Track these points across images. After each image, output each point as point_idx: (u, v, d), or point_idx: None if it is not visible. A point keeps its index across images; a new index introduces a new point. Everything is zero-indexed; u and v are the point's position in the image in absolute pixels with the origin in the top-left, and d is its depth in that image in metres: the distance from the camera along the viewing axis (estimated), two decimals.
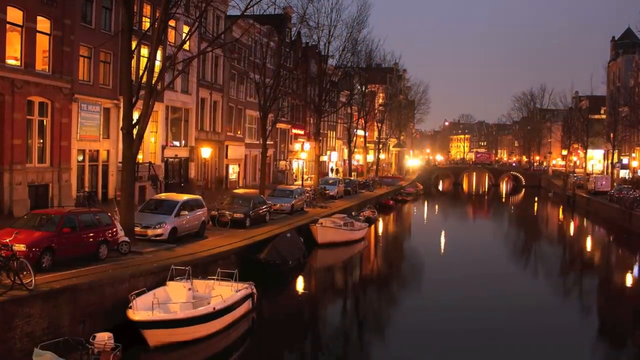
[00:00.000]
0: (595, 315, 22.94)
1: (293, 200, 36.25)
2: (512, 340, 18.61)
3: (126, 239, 20.04)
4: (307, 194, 40.47)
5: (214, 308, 16.85)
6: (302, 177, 52.55)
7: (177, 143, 40.07)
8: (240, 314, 18.43)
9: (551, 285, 27.41)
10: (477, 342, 18.13)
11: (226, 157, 47.01)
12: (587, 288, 27.18)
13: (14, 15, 24.98)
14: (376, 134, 77.90)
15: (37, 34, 26.26)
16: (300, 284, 25.41)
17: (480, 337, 18.57)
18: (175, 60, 25.81)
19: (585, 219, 54.89)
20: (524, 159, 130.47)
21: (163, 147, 37.85)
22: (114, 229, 19.70)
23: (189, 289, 18.04)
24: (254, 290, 19.44)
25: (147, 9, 33.31)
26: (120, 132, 23.20)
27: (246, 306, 18.94)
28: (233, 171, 48.92)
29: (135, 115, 22.63)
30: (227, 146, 46.98)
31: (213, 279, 18.93)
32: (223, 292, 17.98)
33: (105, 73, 31.65)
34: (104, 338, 14.22)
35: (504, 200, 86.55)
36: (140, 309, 15.74)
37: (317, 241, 31.63)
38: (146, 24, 31.31)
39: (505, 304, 22.88)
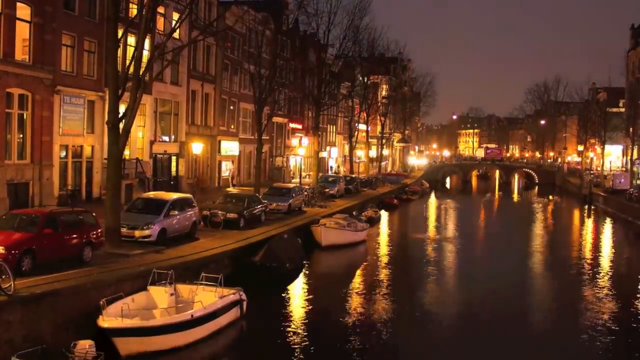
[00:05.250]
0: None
1: (290, 199, 36.27)
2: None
3: None
4: (306, 193, 40.48)
5: (192, 315, 16.80)
6: (300, 175, 52.58)
7: (166, 138, 40.07)
8: (226, 322, 18.38)
9: (569, 295, 27.22)
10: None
11: (219, 152, 47.01)
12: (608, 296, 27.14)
13: None
14: (379, 128, 77.91)
15: (17, 22, 26.24)
16: (297, 289, 25.40)
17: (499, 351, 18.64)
18: (165, 49, 25.78)
19: (602, 219, 54.91)
20: (537, 155, 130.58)
21: (151, 143, 37.85)
22: (99, 230, 19.72)
23: (172, 294, 18.04)
24: (243, 297, 19.37)
25: None
26: (106, 127, 23.19)
27: (234, 313, 18.89)
28: (226, 168, 48.93)
29: (122, 109, 22.63)
30: (219, 141, 46.98)
31: (198, 284, 18.92)
32: (206, 297, 17.95)
33: (90, 63, 31.63)
34: (84, 346, 14.25)
35: (516, 199, 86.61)
36: (115, 316, 15.71)
37: (320, 243, 31.64)
38: (133, 10, 31.29)
39: (526, 316, 22.85)
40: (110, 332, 15.30)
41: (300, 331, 19.24)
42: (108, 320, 15.43)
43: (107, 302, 15.93)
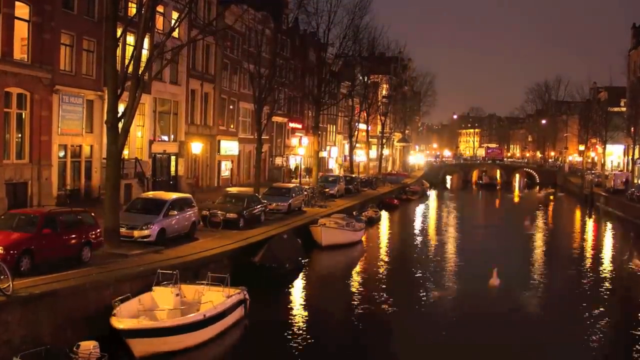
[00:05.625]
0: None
1: (290, 199, 36.29)
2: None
3: None
4: (306, 193, 40.50)
5: (204, 315, 16.88)
6: (300, 174, 52.56)
7: (165, 138, 40.07)
8: (232, 322, 18.47)
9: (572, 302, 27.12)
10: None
11: (218, 152, 47.00)
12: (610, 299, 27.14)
13: None
14: (379, 128, 77.93)
15: (15, 21, 26.24)
16: (297, 289, 25.44)
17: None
18: (164, 48, 25.80)
19: (603, 219, 54.94)
20: (538, 154, 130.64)
21: (150, 142, 37.85)
22: (98, 230, 19.72)
23: (177, 295, 18.07)
24: (247, 296, 19.46)
25: None
26: (105, 126, 23.19)
27: (238, 313, 18.98)
28: (225, 168, 48.93)
29: (121, 108, 22.63)
30: (219, 141, 46.97)
31: (203, 284, 19.00)
32: (213, 298, 18.04)
33: (89, 62, 31.63)
34: (89, 347, 14.24)
35: (516, 200, 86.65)
36: (125, 317, 15.73)
37: (320, 243, 31.68)
38: (132, 9, 31.28)
39: (525, 315, 22.85)
40: (125, 333, 15.25)
41: (301, 331, 19.27)
42: (123, 321, 15.40)
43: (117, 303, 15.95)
